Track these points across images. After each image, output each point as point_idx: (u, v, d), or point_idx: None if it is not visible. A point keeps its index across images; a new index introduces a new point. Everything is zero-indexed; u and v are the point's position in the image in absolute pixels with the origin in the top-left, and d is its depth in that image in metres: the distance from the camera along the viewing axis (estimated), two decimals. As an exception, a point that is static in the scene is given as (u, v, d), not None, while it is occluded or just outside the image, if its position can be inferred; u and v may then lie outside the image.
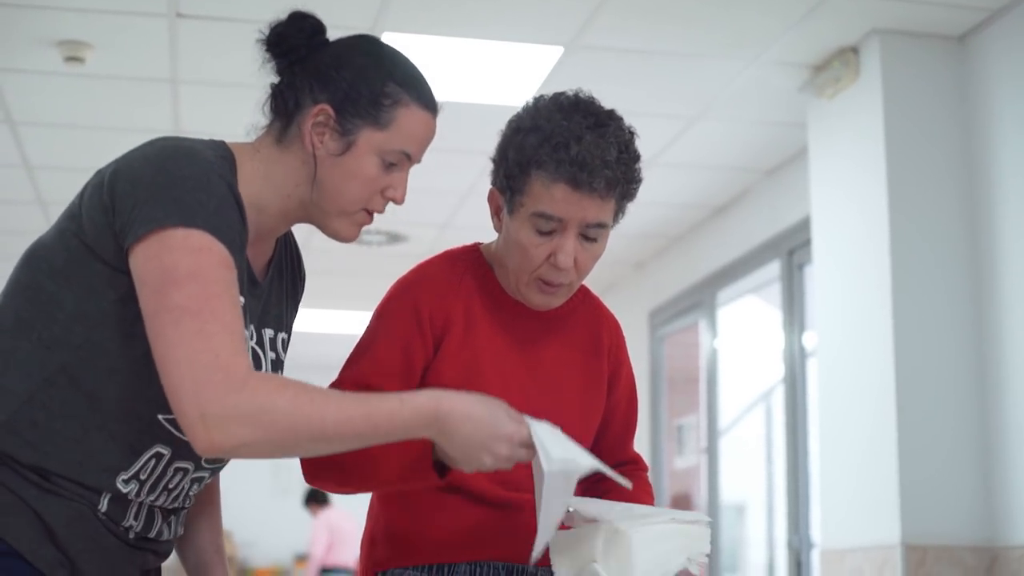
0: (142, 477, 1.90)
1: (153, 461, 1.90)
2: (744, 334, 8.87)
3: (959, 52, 4.84)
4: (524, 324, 2.27)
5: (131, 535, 1.91)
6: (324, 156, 1.98)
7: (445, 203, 6.87)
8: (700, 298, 7.25)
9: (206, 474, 2.01)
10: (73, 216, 1.89)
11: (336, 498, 10.77)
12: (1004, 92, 4.61)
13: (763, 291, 7.25)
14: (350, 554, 10.56)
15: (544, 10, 4.69)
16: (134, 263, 1.80)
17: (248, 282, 1.98)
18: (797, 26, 4.78)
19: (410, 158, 2.03)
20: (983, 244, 4.67)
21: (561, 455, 1.86)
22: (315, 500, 11.08)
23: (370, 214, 2.04)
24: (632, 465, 2.41)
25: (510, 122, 2.22)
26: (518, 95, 5.34)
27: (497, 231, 2.26)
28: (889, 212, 4.70)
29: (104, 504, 1.86)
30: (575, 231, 2.15)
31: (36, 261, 1.90)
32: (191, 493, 2.01)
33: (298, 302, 2.22)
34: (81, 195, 1.92)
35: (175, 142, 1.90)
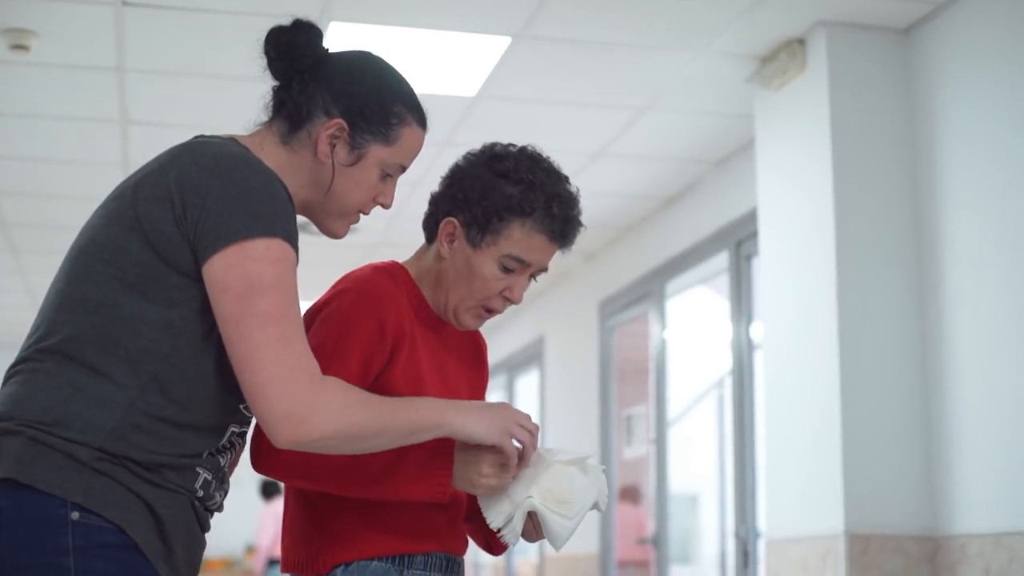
0: (225, 446, 2.10)
1: (229, 436, 2.11)
2: (693, 325, 8.91)
3: (905, 44, 4.88)
4: (439, 339, 2.46)
5: (211, 516, 2.13)
6: (333, 165, 2.15)
7: (395, 194, 6.84)
8: (649, 289, 7.27)
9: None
10: (132, 228, 1.99)
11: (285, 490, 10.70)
12: (950, 84, 4.65)
13: (712, 282, 7.29)
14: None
15: (491, 0, 4.68)
16: (212, 271, 1.96)
17: None
18: (744, 17, 4.80)
19: (403, 169, 2.26)
20: (928, 235, 4.71)
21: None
22: (267, 492, 11.05)
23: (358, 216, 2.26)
24: None
25: (484, 164, 2.39)
26: (465, 86, 5.33)
27: (444, 256, 2.40)
28: (835, 203, 4.74)
29: (199, 489, 2.05)
30: (530, 272, 2.40)
31: (100, 278, 1.99)
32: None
33: None
34: (132, 206, 2.00)
35: (225, 149, 2.04)
